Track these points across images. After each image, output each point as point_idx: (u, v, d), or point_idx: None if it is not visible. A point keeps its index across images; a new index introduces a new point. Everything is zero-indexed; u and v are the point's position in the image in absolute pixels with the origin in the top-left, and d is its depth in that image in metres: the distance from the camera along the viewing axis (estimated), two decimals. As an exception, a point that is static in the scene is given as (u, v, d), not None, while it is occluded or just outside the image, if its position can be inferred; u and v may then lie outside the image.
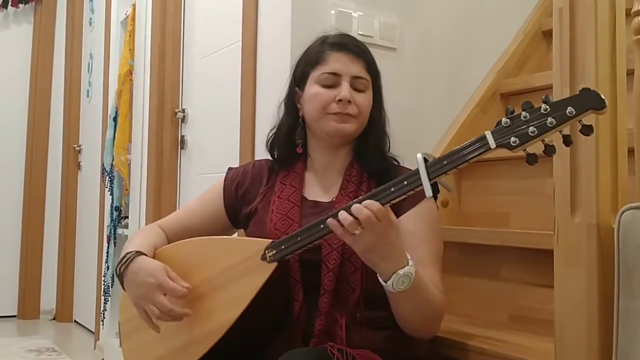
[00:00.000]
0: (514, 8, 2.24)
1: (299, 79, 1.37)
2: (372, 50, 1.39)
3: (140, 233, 1.43)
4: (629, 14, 1.14)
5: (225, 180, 1.44)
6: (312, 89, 1.33)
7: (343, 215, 1.05)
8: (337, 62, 1.31)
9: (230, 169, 1.47)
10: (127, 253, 1.27)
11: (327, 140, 1.35)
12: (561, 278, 1.15)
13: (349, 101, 1.29)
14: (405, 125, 1.90)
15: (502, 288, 1.61)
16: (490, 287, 1.65)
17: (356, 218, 1.04)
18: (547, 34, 2.20)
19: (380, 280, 1.11)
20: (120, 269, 1.26)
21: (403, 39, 1.99)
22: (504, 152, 1.01)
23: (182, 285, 1.20)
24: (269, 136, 1.42)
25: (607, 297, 1.07)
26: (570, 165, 1.13)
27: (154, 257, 1.29)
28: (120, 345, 1.41)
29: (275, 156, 1.40)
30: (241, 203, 1.40)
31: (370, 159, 1.34)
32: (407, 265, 1.09)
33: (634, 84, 1.10)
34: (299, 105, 1.37)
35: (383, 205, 1.06)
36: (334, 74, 1.31)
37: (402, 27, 1.99)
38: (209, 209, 1.43)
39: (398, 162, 1.39)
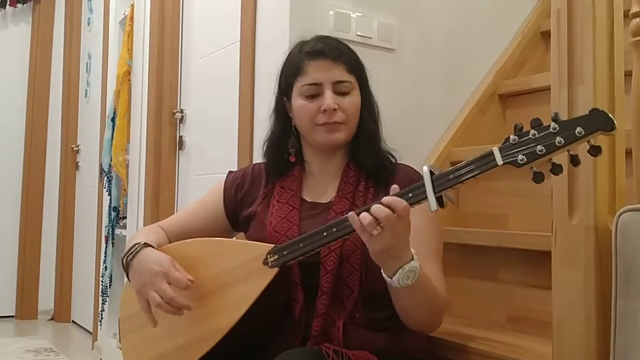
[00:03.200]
0: (513, 9, 2.24)
1: (284, 90, 1.36)
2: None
3: (142, 231, 1.43)
4: (626, 16, 1.14)
5: (225, 183, 1.44)
6: (297, 102, 1.32)
7: (363, 214, 1.04)
8: (316, 71, 1.30)
9: (230, 172, 1.48)
10: (135, 244, 1.27)
11: (321, 148, 1.35)
12: (559, 279, 1.15)
13: (334, 109, 1.28)
14: (403, 126, 1.91)
15: (500, 289, 1.61)
16: (488, 288, 1.65)
17: (376, 218, 1.03)
18: (546, 35, 2.20)
19: (385, 275, 1.10)
20: (127, 258, 1.27)
21: (402, 39, 1.99)
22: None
23: (186, 277, 1.20)
24: (263, 145, 1.42)
25: (604, 299, 1.07)
26: (569, 166, 1.13)
27: None
28: (120, 343, 1.41)
29: (269, 165, 1.40)
30: (241, 206, 1.40)
31: (364, 160, 1.33)
32: (413, 260, 1.09)
33: (631, 85, 1.10)
34: (291, 115, 1.36)
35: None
36: (315, 84, 1.30)
37: (400, 27, 1.99)
38: (210, 212, 1.43)
39: (394, 157, 1.39)
